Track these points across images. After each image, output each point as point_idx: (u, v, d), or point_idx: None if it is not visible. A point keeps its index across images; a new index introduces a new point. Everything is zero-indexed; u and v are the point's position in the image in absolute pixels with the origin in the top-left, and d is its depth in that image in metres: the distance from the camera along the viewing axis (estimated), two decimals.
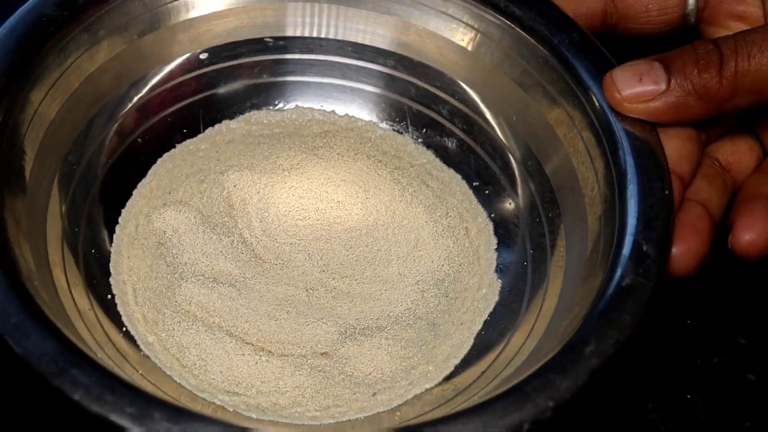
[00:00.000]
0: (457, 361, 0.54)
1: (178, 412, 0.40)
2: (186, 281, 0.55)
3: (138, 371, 0.50)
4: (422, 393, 0.52)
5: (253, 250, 0.58)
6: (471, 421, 0.41)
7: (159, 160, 0.60)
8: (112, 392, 0.40)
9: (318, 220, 0.59)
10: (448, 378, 0.53)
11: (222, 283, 0.55)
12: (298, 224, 0.59)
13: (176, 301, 0.54)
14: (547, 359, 0.44)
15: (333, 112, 0.63)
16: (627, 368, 0.56)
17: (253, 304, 0.55)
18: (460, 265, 0.58)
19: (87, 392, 0.40)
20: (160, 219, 0.57)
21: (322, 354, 0.53)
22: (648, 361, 0.58)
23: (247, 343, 0.53)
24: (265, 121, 0.63)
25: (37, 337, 0.41)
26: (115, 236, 0.56)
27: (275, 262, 0.57)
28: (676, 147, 0.53)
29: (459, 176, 0.61)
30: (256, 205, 0.59)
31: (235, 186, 0.59)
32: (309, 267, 0.57)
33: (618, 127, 0.52)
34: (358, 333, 0.54)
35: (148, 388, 0.47)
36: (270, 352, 0.53)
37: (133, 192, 0.58)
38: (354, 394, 0.52)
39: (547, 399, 0.42)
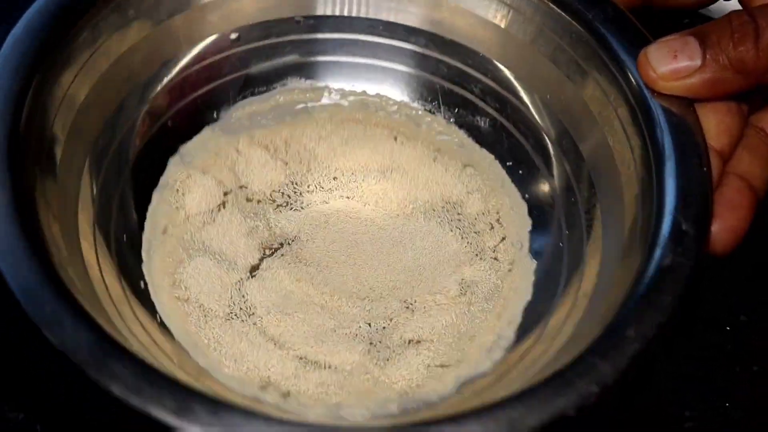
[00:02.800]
0: (500, 353, 0.54)
1: (218, 406, 0.40)
2: (218, 268, 0.54)
3: (173, 361, 0.50)
4: (463, 383, 0.52)
5: (290, 245, 0.58)
6: (515, 408, 0.41)
7: (189, 142, 0.59)
8: (151, 385, 0.40)
9: (352, 216, 0.59)
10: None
11: (257, 276, 0.55)
12: (334, 222, 0.59)
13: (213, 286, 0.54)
14: (589, 343, 0.44)
15: (364, 92, 0.63)
16: (666, 375, 0.56)
17: (290, 303, 0.55)
18: (489, 253, 0.58)
19: (126, 385, 0.39)
20: (192, 204, 0.56)
21: (361, 358, 0.53)
22: (686, 368, 0.57)
23: (282, 344, 0.53)
24: (296, 100, 0.62)
25: (74, 328, 0.41)
26: (146, 222, 0.56)
27: (312, 262, 0.57)
28: (714, 121, 0.52)
29: (492, 156, 0.61)
30: (290, 195, 0.59)
31: (266, 169, 0.59)
32: (346, 271, 0.57)
33: (654, 103, 0.51)
34: (398, 345, 0.54)
35: (185, 379, 0.46)
36: (306, 354, 0.53)
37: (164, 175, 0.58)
38: (378, 370, 0.53)
39: (590, 384, 0.42)
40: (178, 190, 0.57)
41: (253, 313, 0.54)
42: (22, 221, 0.44)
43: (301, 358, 0.53)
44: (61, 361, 0.41)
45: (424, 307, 0.55)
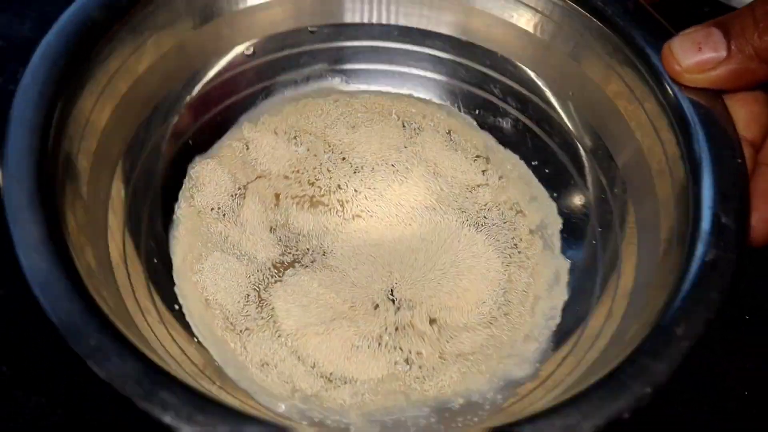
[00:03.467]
0: (539, 355, 0.53)
1: (271, 429, 0.39)
2: (240, 261, 0.55)
3: (215, 383, 0.49)
4: (504, 387, 0.52)
5: (312, 250, 0.57)
6: (570, 414, 0.40)
7: (208, 154, 0.59)
8: (202, 412, 0.39)
9: (373, 212, 0.59)
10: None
11: (279, 283, 0.55)
12: (357, 221, 0.59)
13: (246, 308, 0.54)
14: (638, 343, 0.43)
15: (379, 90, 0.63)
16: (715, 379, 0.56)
17: (314, 316, 0.54)
18: (517, 253, 0.57)
19: (177, 413, 0.39)
20: (207, 199, 0.57)
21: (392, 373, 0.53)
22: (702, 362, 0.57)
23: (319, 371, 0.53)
24: (322, 110, 0.62)
25: (120, 360, 0.40)
26: (173, 239, 0.56)
27: (342, 267, 0.57)
28: (743, 111, 0.52)
29: (517, 157, 0.60)
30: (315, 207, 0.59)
31: (278, 153, 0.59)
32: (372, 275, 0.56)
33: (682, 96, 0.51)
34: (433, 363, 0.53)
35: (232, 402, 0.46)
36: (344, 376, 0.53)
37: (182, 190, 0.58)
38: (416, 383, 0.52)
39: (644, 385, 0.41)
40: (194, 187, 0.57)
41: (278, 328, 0.54)
42: (58, 253, 0.43)
43: (330, 374, 0.52)
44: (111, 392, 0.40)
45: (460, 321, 0.55)
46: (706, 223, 0.46)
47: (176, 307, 0.53)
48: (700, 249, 0.46)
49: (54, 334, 0.50)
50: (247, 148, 0.59)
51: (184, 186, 0.57)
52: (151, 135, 0.56)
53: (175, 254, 0.55)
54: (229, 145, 0.59)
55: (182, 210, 0.56)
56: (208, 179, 0.57)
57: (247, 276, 0.55)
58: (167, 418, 0.39)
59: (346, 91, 0.63)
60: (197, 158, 0.58)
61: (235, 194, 0.58)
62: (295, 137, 0.60)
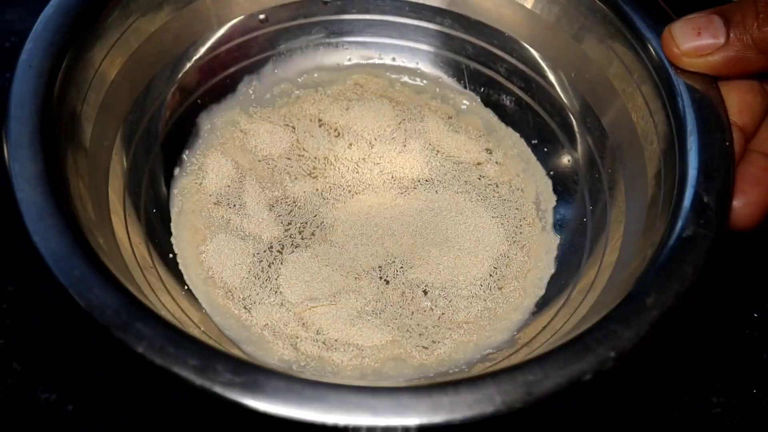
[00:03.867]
0: (521, 317, 0.55)
1: (241, 365, 0.40)
2: (245, 242, 0.55)
3: (200, 328, 0.50)
4: (485, 352, 0.53)
5: (312, 224, 0.58)
6: (533, 371, 0.41)
7: (217, 120, 0.61)
8: (175, 345, 0.40)
9: (371, 184, 0.60)
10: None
11: (282, 261, 0.56)
12: (354, 193, 0.60)
13: (242, 264, 0.55)
14: (608, 310, 0.44)
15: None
16: (693, 361, 0.56)
17: (317, 278, 0.56)
18: (516, 229, 0.58)
19: (150, 344, 0.40)
20: (216, 175, 0.58)
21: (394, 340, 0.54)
22: (713, 355, 0.57)
23: (311, 328, 0.54)
24: (327, 80, 0.64)
25: (100, 290, 0.42)
26: (173, 195, 0.57)
27: (336, 241, 0.58)
28: (736, 99, 0.52)
29: (518, 135, 0.62)
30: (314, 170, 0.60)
31: (294, 147, 0.60)
32: (372, 248, 0.58)
33: (677, 79, 0.52)
34: (433, 329, 0.55)
35: (209, 341, 0.47)
36: (337, 338, 0.54)
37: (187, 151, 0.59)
38: (416, 351, 0.53)
39: (608, 349, 0.42)
40: (198, 170, 0.59)
41: (282, 298, 0.55)
42: (53, 191, 0.45)
43: (335, 341, 0.53)
44: (93, 342, 0.41)
45: (457, 293, 0.56)
46: (687, 201, 0.47)
47: (170, 255, 0.55)
48: (679, 224, 0.47)
49: (65, 330, 0.52)
50: (246, 136, 0.61)
51: (186, 170, 0.59)
52: (159, 92, 0.57)
53: (177, 237, 0.56)
54: (230, 133, 0.60)
55: (183, 194, 0.58)
56: (210, 167, 0.59)
57: (251, 255, 0.56)
58: (140, 348, 0.40)
59: (348, 65, 0.64)
60: (200, 145, 0.60)
61: (237, 179, 0.59)
62: (289, 124, 0.62)
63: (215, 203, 0.57)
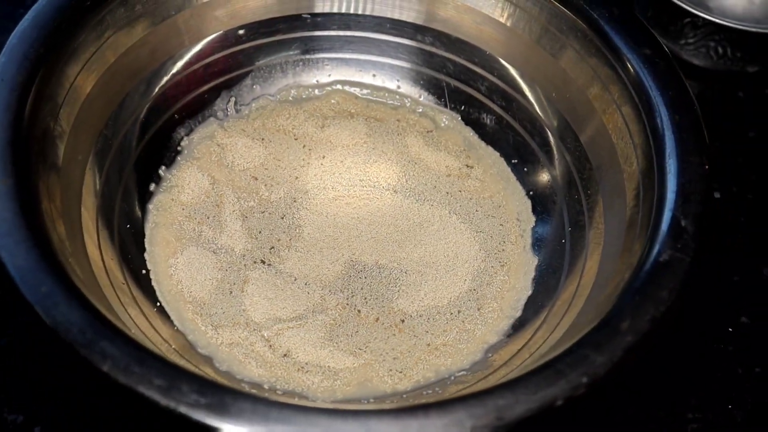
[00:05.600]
0: (496, 339, 0.54)
1: (206, 385, 0.40)
2: (216, 255, 0.55)
3: (171, 346, 0.50)
4: (459, 374, 0.52)
5: (291, 226, 0.58)
6: (503, 396, 0.41)
7: (194, 135, 0.60)
8: (140, 364, 0.40)
9: (352, 201, 0.60)
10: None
11: (256, 263, 0.56)
12: (333, 205, 0.59)
13: (212, 279, 0.55)
14: (582, 335, 0.44)
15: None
16: (668, 377, 0.56)
17: (287, 288, 0.55)
18: (498, 246, 0.58)
19: (115, 363, 0.40)
20: (192, 189, 0.57)
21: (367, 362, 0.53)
22: (688, 370, 0.57)
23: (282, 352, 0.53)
24: (304, 97, 0.63)
25: (66, 307, 0.41)
26: (148, 211, 0.57)
27: (306, 244, 0.57)
28: None
29: (497, 154, 0.61)
30: (292, 182, 0.59)
31: (269, 158, 0.59)
32: (343, 259, 0.57)
33: (658, 102, 0.51)
34: (407, 349, 0.54)
35: (180, 362, 0.47)
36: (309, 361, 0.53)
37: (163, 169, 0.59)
38: (389, 376, 0.53)
39: (580, 375, 0.42)
40: (174, 186, 0.58)
41: (247, 317, 0.54)
42: (22, 206, 0.44)
43: (305, 364, 0.53)
44: (61, 363, 0.40)
45: (437, 317, 0.55)
46: (665, 225, 0.47)
47: (143, 272, 0.54)
48: (656, 248, 0.46)
49: (33, 351, 0.52)
50: (223, 150, 0.60)
51: (162, 186, 0.58)
52: (134, 108, 0.57)
53: (150, 253, 0.56)
54: (207, 148, 0.60)
55: (158, 210, 0.57)
56: (187, 182, 0.58)
57: (221, 269, 0.55)
58: (105, 367, 0.40)
59: (327, 82, 0.64)
60: (176, 160, 0.59)
61: (213, 192, 0.58)
62: (265, 138, 0.61)
63: (188, 216, 0.57)
